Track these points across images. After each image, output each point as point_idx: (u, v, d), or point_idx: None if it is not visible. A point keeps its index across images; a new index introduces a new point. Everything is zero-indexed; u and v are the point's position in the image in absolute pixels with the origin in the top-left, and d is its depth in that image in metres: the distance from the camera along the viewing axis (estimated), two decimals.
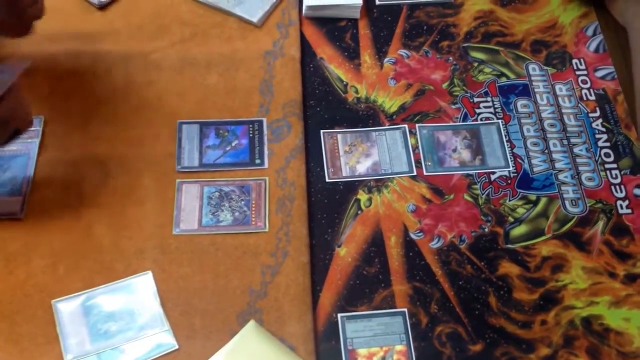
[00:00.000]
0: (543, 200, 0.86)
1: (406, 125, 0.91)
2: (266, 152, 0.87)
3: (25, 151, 0.85)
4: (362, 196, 0.86)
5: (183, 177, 0.84)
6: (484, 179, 0.87)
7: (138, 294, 0.76)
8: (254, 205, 0.83)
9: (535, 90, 0.95)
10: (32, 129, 0.86)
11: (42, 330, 0.74)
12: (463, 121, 0.92)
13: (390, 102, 0.93)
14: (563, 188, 0.87)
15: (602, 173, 0.88)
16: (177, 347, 0.74)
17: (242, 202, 0.83)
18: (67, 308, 0.75)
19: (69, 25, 0.95)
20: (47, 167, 0.85)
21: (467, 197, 0.86)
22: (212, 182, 0.84)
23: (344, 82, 0.94)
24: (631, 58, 0.94)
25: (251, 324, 0.75)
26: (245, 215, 0.82)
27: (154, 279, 0.77)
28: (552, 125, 0.92)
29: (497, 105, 0.93)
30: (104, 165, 0.85)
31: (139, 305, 0.76)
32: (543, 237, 0.84)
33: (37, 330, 0.74)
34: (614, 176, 0.88)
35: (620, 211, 0.86)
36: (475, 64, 0.97)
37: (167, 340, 0.74)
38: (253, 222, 0.82)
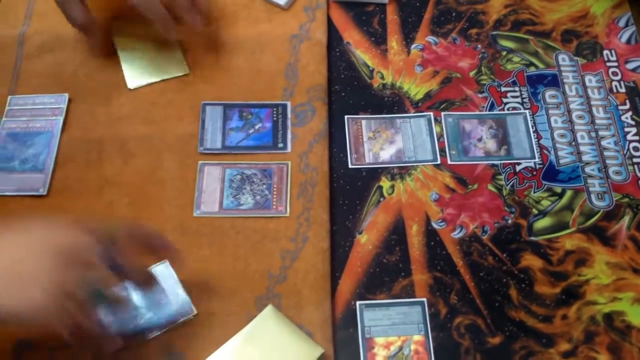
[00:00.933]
0: (568, 193, 0.85)
1: (431, 113, 0.90)
2: (289, 136, 0.86)
3: (49, 128, 0.85)
4: (385, 183, 0.85)
5: (205, 159, 0.84)
6: (509, 169, 0.86)
7: (161, 284, 0.76)
8: (275, 190, 0.82)
9: (565, 81, 0.93)
10: (57, 106, 0.87)
11: None
12: (489, 110, 0.90)
13: (416, 89, 0.92)
14: (589, 181, 0.86)
15: (630, 167, 0.87)
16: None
17: (264, 186, 0.83)
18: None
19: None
20: (70, 145, 0.85)
21: (491, 187, 0.85)
22: (233, 165, 0.84)
23: (370, 68, 0.93)
24: None
25: (269, 308, 0.74)
26: (266, 199, 0.82)
27: (171, 266, 0.77)
28: (580, 117, 0.90)
29: (525, 95, 0.92)
30: (126, 144, 0.85)
31: (163, 295, 0.76)
32: (567, 231, 0.83)
33: None
34: None
35: None
36: (504, 53, 0.95)
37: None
38: (274, 207, 0.81)
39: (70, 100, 0.87)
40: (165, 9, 0.84)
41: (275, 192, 0.82)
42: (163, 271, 0.77)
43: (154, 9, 0.83)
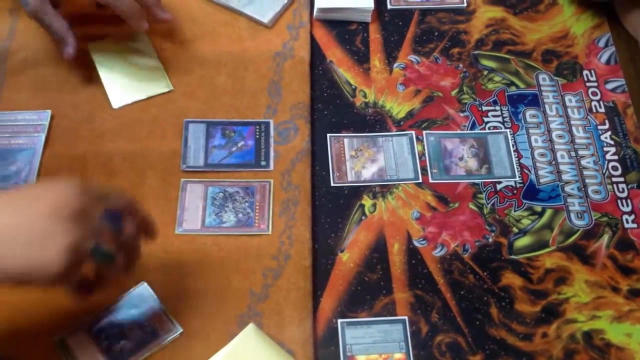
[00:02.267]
0: (548, 212, 0.86)
1: (413, 132, 0.90)
2: (272, 154, 0.87)
3: (31, 145, 0.85)
4: (367, 202, 0.85)
5: (188, 176, 0.84)
6: (489, 188, 0.87)
7: (141, 306, 0.76)
8: (257, 207, 0.82)
9: (545, 100, 0.94)
10: (39, 123, 0.87)
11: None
12: (471, 129, 0.91)
13: (398, 107, 0.93)
14: (569, 200, 0.86)
15: (609, 186, 0.88)
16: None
17: (247, 204, 0.83)
18: (76, 342, 0.74)
19: (80, 19, 0.95)
20: (52, 162, 0.84)
21: (472, 206, 0.86)
22: (216, 183, 0.84)
23: (353, 86, 0.94)
24: None
25: (250, 326, 0.74)
26: (248, 217, 0.82)
27: (150, 287, 0.77)
28: (560, 137, 0.91)
29: (506, 114, 0.93)
30: (109, 161, 0.85)
31: (145, 317, 0.76)
32: (547, 249, 0.83)
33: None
34: (620, 190, 0.88)
35: (626, 225, 0.85)
36: (485, 72, 0.96)
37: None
38: (256, 224, 0.81)
39: (52, 117, 0.87)
40: (134, 1, 0.85)
41: (257, 210, 0.82)
42: (143, 292, 0.77)
43: (123, 5, 0.85)
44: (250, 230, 0.81)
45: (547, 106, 0.94)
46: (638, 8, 0.96)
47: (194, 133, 0.87)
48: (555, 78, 0.96)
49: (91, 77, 0.91)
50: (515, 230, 0.84)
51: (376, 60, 0.96)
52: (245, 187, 0.84)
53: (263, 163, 0.86)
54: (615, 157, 0.90)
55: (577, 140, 0.91)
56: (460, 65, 0.97)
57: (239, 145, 0.87)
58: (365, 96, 0.93)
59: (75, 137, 0.87)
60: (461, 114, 0.92)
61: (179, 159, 0.85)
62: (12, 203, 0.63)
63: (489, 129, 0.91)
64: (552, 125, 0.92)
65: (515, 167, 0.88)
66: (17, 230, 0.61)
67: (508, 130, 0.91)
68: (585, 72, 0.97)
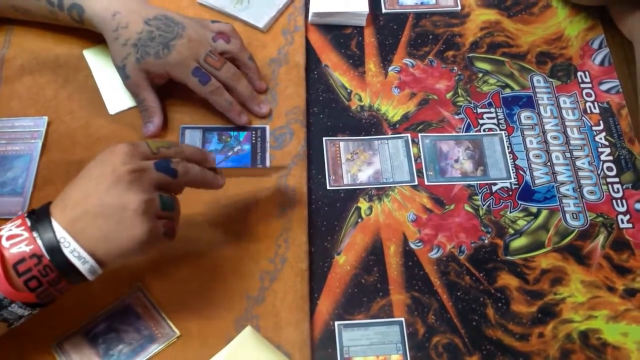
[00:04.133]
0: (544, 213, 0.86)
1: (409, 135, 0.91)
2: (268, 158, 0.87)
3: (28, 151, 0.85)
4: (363, 204, 0.86)
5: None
6: (485, 190, 0.87)
7: (138, 311, 0.76)
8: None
9: (540, 102, 0.95)
10: (36, 129, 0.87)
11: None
12: (466, 132, 0.92)
13: (393, 110, 0.93)
14: (564, 201, 0.87)
15: (604, 187, 0.88)
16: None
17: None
18: (71, 346, 0.74)
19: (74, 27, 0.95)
20: (49, 168, 0.85)
21: (467, 207, 0.86)
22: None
23: (348, 90, 0.94)
24: (637, 72, 0.94)
25: (248, 329, 0.75)
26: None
27: (147, 290, 0.77)
28: (555, 138, 0.92)
29: (501, 116, 0.93)
30: None
31: (142, 321, 0.76)
32: (543, 250, 0.84)
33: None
34: (615, 190, 0.88)
35: (621, 225, 0.86)
36: (480, 75, 0.97)
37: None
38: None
39: (49, 123, 0.87)
40: (232, 98, 0.87)
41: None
42: (139, 297, 0.77)
43: (222, 100, 0.86)
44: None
45: (541, 108, 0.94)
46: (632, 11, 0.97)
47: (190, 139, 0.88)
48: (550, 80, 0.97)
49: (87, 84, 0.91)
50: (511, 231, 0.85)
51: (371, 64, 0.97)
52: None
53: (259, 166, 0.86)
54: (610, 158, 0.90)
55: (572, 142, 0.91)
56: (455, 68, 0.97)
57: (235, 149, 0.87)
58: (360, 100, 0.94)
59: (72, 143, 0.87)
60: (456, 117, 0.93)
61: None
62: (88, 187, 0.66)
63: (484, 131, 0.92)
64: (547, 127, 0.92)
65: (510, 168, 0.89)
66: (96, 213, 0.64)
67: (503, 132, 0.92)
68: (579, 73, 0.97)
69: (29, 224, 0.64)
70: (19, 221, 0.64)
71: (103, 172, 0.66)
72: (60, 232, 0.63)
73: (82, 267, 0.64)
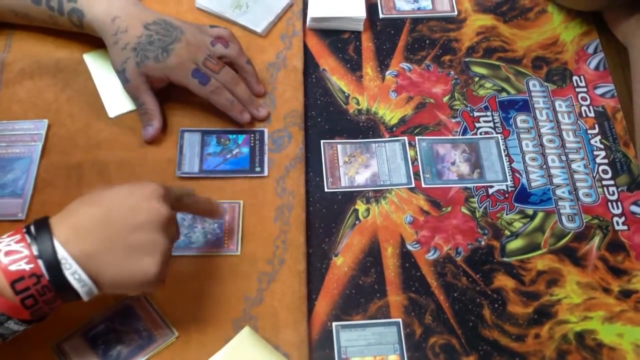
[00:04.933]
0: (540, 215, 0.87)
1: (406, 138, 0.92)
2: (266, 161, 0.88)
3: (28, 154, 0.86)
4: (360, 207, 0.86)
5: (183, 183, 0.85)
6: (481, 192, 0.88)
7: (137, 312, 0.77)
8: (227, 229, 0.83)
9: (535, 106, 0.95)
10: (36, 132, 0.88)
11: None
12: (462, 135, 0.92)
13: (390, 114, 0.94)
14: (560, 203, 0.88)
15: (599, 189, 0.89)
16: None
17: (216, 225, 0.83)
18: (72, 347, 0.75)
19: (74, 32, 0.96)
20: (49, 170, 0.85)
21: (464, 210, 0.87)
22: None
23: (346, 94, 0.95)
24: (631, 77, 0.94)
25: (246, 330, 0.75)
26: (217, 238, 0.82)
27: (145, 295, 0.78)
28: (551, 141, 0.92)
29: (497, 119, 0.94)
30: (105, 169, 0.86)
31: (141, 322, 0.76)
32: (539, 252, 0.84)
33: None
34: (611, 193, 0.89)
35: (617, 227, 0.86)
36: (476, 79, 0.97)
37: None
38: (225, 245, 0.82)
39: (49, 126, 0.88)
40: (233, 97, 0.88)
41: (226, 231, 0.82)
42: (139, 298, 0.77)
43: (223, 99, 0.87)
44: (219, 251, 0.81)
45: (537, 111, 0.95)
46: (626, 16, 0.98)
47: (189, 141, 0.88)
48: (545, 84, 0.97)
49: (87, 87, 0.92)
50: (507, 233, 0.85)
51: (369, 68, 0.98)
52: None
53: (257, 169, 0.87)
54: (605, 161, 0.91)
55: (567, 145, 0.92)
56: (452, 72, 0.98)
57: (234, 152, 0.88)
58: (358, 103, 0.94)
59: (72, 146, 0.88)
60: (453, 120, 0.94)
61: (175, 167, 0.86)
62: (110, 217, 0.66)
63: (480, 134, 0.92)
64: (543, 130, 0.93)
65: (506, 171, 0.90)
66: (114, 243, 0.65)
67: (499, 135, 0.92)
68: (574, 77, 0.98)
69: (28, 240, 0.63)
70: (17, 236, 0.63)
71: (132, 206, 0.66)
72: (62, 252, 0.62)
73: (81, 290, 0.64)
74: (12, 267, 0.61)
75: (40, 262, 0.62)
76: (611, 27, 1.01)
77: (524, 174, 0.89)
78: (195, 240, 0.82)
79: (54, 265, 0.62)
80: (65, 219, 0.65)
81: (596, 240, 0.85)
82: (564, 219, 0.87)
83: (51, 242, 0.62)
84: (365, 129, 0.92)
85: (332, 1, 0.99)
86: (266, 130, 0.90)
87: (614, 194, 0.89)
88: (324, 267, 0.82)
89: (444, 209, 0.87)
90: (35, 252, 0.62)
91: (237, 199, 0.85)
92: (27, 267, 0.61)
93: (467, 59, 0.99)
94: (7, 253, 0.62)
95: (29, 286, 0.61)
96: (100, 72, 0.92)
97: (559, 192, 0.88)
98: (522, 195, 0.88)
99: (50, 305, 0.64)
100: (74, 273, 0.63)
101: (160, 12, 0.88)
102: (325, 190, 0.87)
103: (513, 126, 0.93)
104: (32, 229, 0.64)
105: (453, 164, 0.90)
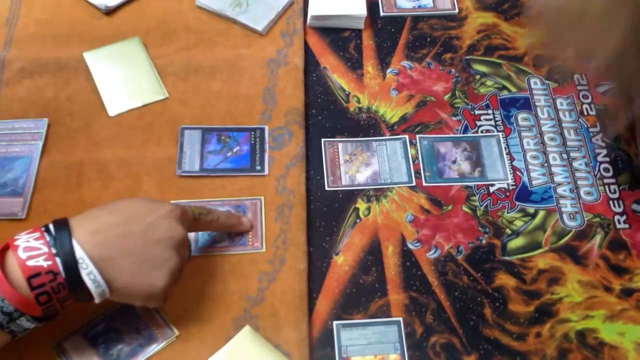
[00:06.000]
0: (541, 213, 0.86)
1: (407, 136, 0.91)
2: (267, 159, 0.88)
3: (28, 153, 0.86)
4: (361, 205, 0.86)
5: (183, 182, 0.85)
6: (482, 190, 0.88)
7: (137, 311, 0.76)
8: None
9: (537, 104, 0.95)
10: (36, 131, 0.87)
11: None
12: (463, 133, 0.92)
13: (391, 112, 0.94)
14: (561, 201, 0.87)
15: (601, 187, 0.89)
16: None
17: None
18: (73, 346, 0.75)
19: (75, 29, 0.96)
20: (49, 169, 0.85)
21: (465, 208, 0.87)
22: (207, 203, 0.84)
23: (347, 92, 0.95)
24: None
25: (246, 329, 0.75)
26: (242, 236, 0.82)
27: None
28: (552, 139, 0.92)
29: (498, 118, 0.94)
30: (106, 168, 0.86)
31: (142, 321, 0.76)
32: (540, 250, 0.84)
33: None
34: (612, 191, 0.88)
35: (618, 226, 0.86)
36: (477, 77, 0.97)
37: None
38: (250, 243, 0.82)
39: (49, 125, 0.88)
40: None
41: (250, 229, 0.83)
42: None
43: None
44: (244, 249, 0.82)
45: (538, 109, 0.95)
46: None
47: (189, 139, 0.88)
48: (547, 82, 0.97)
49: (87, 86, 0.92)
50: (508, 231, 0.85)
51: (369, 66, 0.98)
52: (237, 206, 0.84)
53: (258, 168, 0.87)
54: (607, 159, 0.91)
55: (568, 143, 0.92)
56: (453, 70, 0.98)
57: (234, 150, 0.88)
58: (358, 101, 0.94)
59: (72, 144, 0.87)
60: (454, 118, 0.93)
61: (175, 165, 0.86)
62: (129, 227, 0.68)
63: (481, 132, 0.92)
64: (544, 128, 0.93)
65: (507, 169, 0.89)
66: (130, 252, 0.67)
67: (500, 134, 0.92)
68: (576, 75, 0.98)
69: (47, 238, 0.64)
70: (36, 234, 0.64)
71: (152, 222, 0.69)
72: (80, 252, 0.63)
73: (95, 291, 0.65)
74: (30, 263, 0.62)
75: (58, 260, 0.63)
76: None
77: (525, 172, 0.89)
78: (219, 240, 0.82)
79: (71, 264, 0.63)
80: (84, 221, 0.67)
81: (597, 238, 0.85)
82: (565, 217, 0.86)
83: (70, 241, 0.64)
84: (366, 127, 0.92)
85: None
86: (267, 128, 0.90)
87: (615, 192, 0.88)
88: (325, 266, 0.82)
89: (444, 207, 0.87)
90: (54, 250, 0.63)
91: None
92: (45, 264, 0.62)
93: (468, 57, 0.99)
94: (26, 249, 0.63)
95: (44, 282, 0.62)
96: (101, 70, 0.92)
97: (560, 190, 0.88)
98: (523, 193, 0.88)
99: (62, 304, 0.65)
100: (89, 273, 0.64)
101: None
102: (326, 188, 0.87)
103: (514, 124, 0.93)
104: (52, 227, 0.65)
105: (454, 162, 0.90)
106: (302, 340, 0.76)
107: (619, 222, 0.86)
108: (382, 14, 1.03)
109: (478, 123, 0.93)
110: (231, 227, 0.81)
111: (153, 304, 0.72)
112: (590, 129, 0.93)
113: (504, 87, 0.96)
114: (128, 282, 0.67)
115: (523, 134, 0.92)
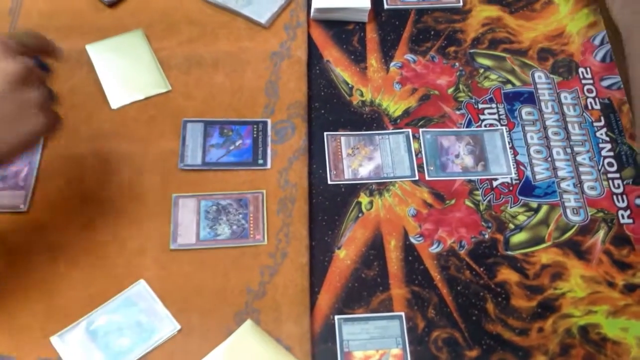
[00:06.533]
0: (544, 208, 0.86)
1: (410, 130, 0.91)
2: (269, 152, 0.87)
3: None
4: (364, 199, 0.86)
5: (185, 176, 0.85)
6: (485, 185, 0.88)
7: (139, 304, 0.76)
8: (252, 219, 0.83)
9: (541, 98, 0.95)
10: None
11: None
12: (467, 127, 0.92)
13: (394, 106, 0.93)
14: (565, 196, 0.87)
15: (605, 182, 0.88)
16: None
17: (240, 216, 0.83)
18: (72, 339, 0.75)
19: (78, 21, 0.96)
20: (51, 162, 0.85)
21: (468, 202, 0.86)
22: (209, 197, 0.84)
23: (350, 85, 0.95)
24: (626, 60, 0.92)
25: (248, 323, 0.75)
26: (243, 229, 0.82)
27: (148, 284, 0.78)
28: (556, 134, 0.92)
29: (502, 112, 0.93)
30: (108, 161, 0.85)
31: (143, 314, 0.76)
32: (543, 245, 0.84)
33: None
34: (616, 186, 0.88)
35: (622, 221, 0.86)
36: (481, 70, 0.97)
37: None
38: (251, 236, 0.82)
39: None
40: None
41: (251, 221, 0.83)
42: (140, 291, 0.77)
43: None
44: (246, 242, 0.81)
45: (542, 103, 0.94)
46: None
47: (192, 132, 0.88)
48: (551, 76, 0.97)
49: (90, 78, 0.92)
50: (511, 226, 0.85)
51: (373, 60, 0.97)
52: (238, 199, 0.84)
53: (260, 161, 0.86)
54: (611, 154, 0.90)
55: (572, 137, 0.91)
56: (457, 63, 0.97)
57: (237, 144, 0.88)
58: (362, 95, 0.94)
59: (74, 137, 0.87)
60: (457, 112, 0.93)
61: (177, 158, 0.86)
62: None
63: (485, 126, 0.92)
64: (548, 122, 0.92)
65: (511, 164, 0.89)
66: None
67: (504, 128, 0.92)
68: (580, 69, 0.97)
69: None
70: None
71: None
72: None
73: None
74: None
75: None
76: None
77: (529, 167, 0.89)
78: (221, 233, 0.82)
79: None
80: None
81: (601, 233, 0.85)
82: (568, 212, 0.86)
83: None
84: (369, 120, 0.92)
85: None
86: (269, 121, 0.90)
87: (619, 187, 0.88)
88: (327, 260, 0.82)
89: (447, 201, 0.86)
90: None
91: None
92: None
93: (472, 50, 0.99)
94: None
95: None
96: (103, 63, 0.92)
97: (563, 185, 0.88)
98: (527, 188, 0.88)
99: None
100: None
101: None
102: (329, 182, 0.87)
103: (518, 118, 0.93)
104: None
105: (457, 156, 0.89)
106: (304, 334, 0.76)
107: (623, 217, 0.86)
108: (386, 6, 1.02)
109: (482, 117, 0.93)
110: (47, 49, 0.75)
111: (50, 134, 0.70)
112: (595, 123, 0.93)
113: (508, 81, 0.96)
114: (10, 148, 0.66)
115: (527, 128, 0.92)
